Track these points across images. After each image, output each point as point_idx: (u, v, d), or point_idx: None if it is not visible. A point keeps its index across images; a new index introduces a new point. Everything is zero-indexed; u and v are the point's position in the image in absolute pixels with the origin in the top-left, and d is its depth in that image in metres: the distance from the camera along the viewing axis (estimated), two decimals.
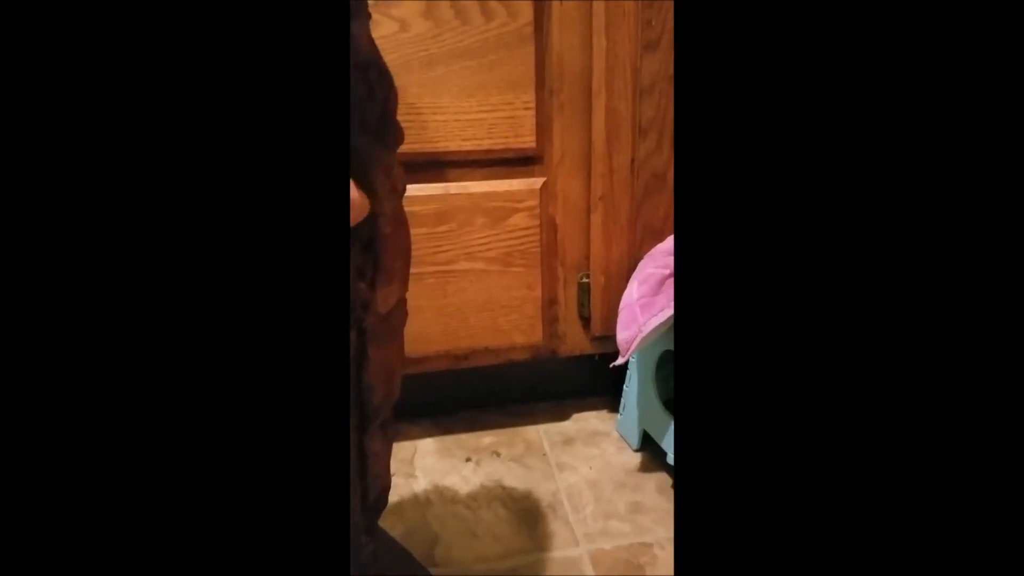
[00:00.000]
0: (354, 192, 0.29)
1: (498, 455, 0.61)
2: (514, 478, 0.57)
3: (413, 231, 0.55)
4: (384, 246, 0.32)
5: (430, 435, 0.65)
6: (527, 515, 0.52)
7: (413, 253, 0.54)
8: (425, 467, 0.60)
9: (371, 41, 0.29)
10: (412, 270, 0.55)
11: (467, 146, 0.52)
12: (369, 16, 0.29)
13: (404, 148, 0.51)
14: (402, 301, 0.35)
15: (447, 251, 0.55)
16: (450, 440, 0.64)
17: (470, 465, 0.60)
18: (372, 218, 0.30)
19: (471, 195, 0.53)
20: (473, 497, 0.54)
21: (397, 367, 0.35)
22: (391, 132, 0.31)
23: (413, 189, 0.53)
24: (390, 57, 0.48)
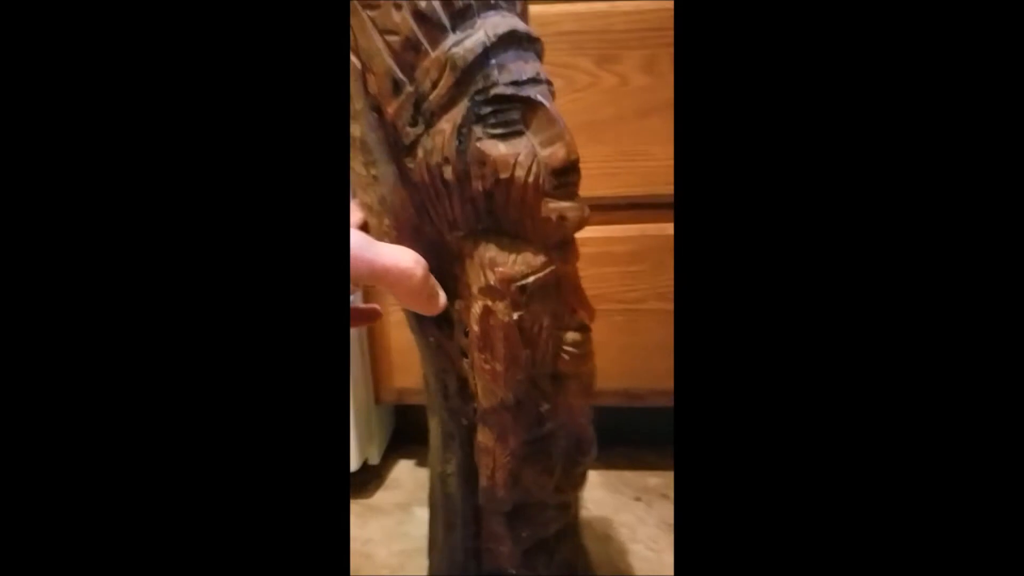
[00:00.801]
0: (429, 281, 0.28)
1: (668, 498, 0.60)
2: None
3: (607, 269, 0.57)
4: (474, 342, 0.29)
5: (593, 468, 0.65)
6: None
7: (603, 291, 0.56)
8: (595, 500, 0.60)
9: (459, 139, 0.26)
10: (601, 306, 0.57)
11: (670, 190, 0.53)
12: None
13: (609, 192, 0.54)
14: (511, 407, 0.31)
15: (638, 290, 0.56)
16: (614, 476, 0.64)
17: (641, 505, 0.59)
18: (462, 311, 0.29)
19: (668, 237, 0.55)
20: (653, 539, 0.54)
21: (502, 462, 0.32)
22: (511, 225, 0.28)
23: (610, 230, 0.55)
24: (609, 110, 0.51)
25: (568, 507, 0.38)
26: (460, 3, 0.26)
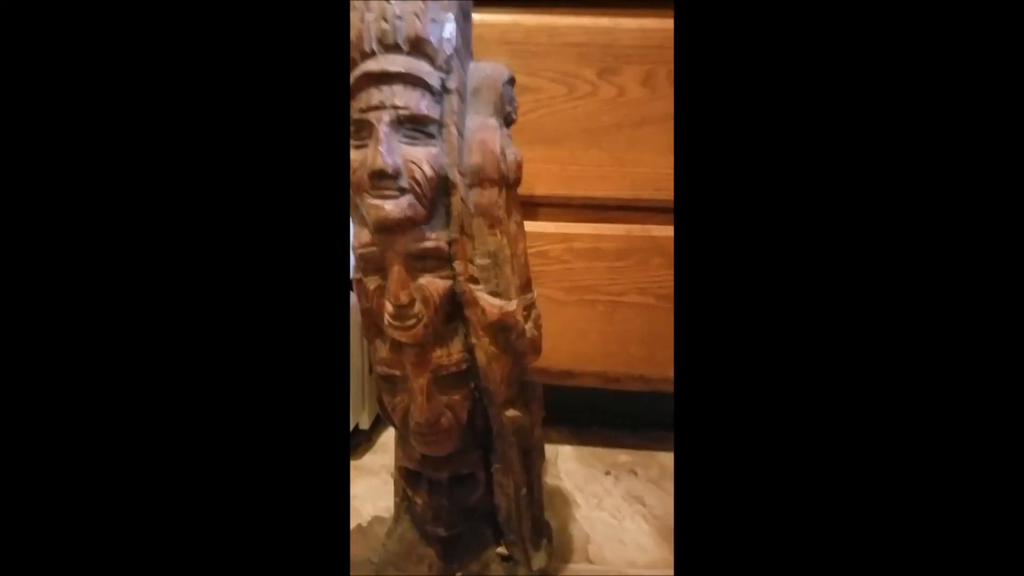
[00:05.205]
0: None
1: (635, 474, 0.66)
2: (653, 498, 0.62)
3: (595, 263, 0.62)
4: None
5: (569, 443, 0.71)
6: (670, 533, 0.57)
7: (589, 282, 0.61)
8: (568, 471, 0.66)
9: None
10: (586, 296, 0.62)
11: (658, 195, 0.58)
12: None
13: (601, 193, 0.59)
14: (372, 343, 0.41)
15: (621, 284, 0.61)
16: (587, 452, 0.70)
17: (610, 478, 0.65)
18: None
19: (653, 238, 0.60)
20: (617, 508, 0.60)
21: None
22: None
23: (600, 228, 0.60)
24: (606, 118, 0.56)
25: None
26: (353, 55, 0.36)
